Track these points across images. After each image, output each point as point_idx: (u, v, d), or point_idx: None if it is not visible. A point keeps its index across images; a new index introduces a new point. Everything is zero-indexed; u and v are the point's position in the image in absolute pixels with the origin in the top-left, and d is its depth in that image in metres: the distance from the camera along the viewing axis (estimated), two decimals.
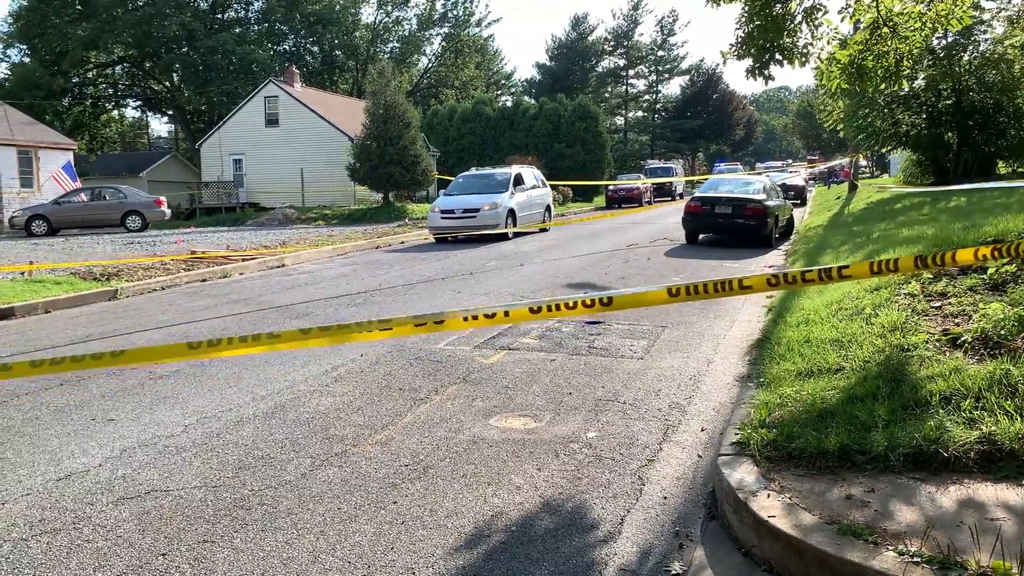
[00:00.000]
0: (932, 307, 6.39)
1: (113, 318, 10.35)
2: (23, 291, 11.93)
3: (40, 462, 4.92)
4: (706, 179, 24.96)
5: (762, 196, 17.35)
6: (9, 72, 58.87)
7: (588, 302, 3.68)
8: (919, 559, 2.99)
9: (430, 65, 77.04)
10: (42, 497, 4.38)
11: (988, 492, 3.56)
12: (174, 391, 6.49)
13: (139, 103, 71.99)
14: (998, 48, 22.46)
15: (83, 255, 18.64)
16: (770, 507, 3.57)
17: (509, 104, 58.60)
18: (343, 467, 4.71)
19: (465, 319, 3.74)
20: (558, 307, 3.62)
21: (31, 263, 14.49)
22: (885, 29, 8.23)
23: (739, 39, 8.54)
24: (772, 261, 14.55)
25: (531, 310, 3.66)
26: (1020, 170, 26.21)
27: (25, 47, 59.30)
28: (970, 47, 23.49)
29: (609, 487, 4.34)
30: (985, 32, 23.34)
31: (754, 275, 3.79)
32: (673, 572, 3.45)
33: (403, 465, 4.72)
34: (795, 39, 8.29)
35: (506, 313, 3.81)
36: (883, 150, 31.27)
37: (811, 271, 3.71)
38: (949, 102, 23.86)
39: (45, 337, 9.07)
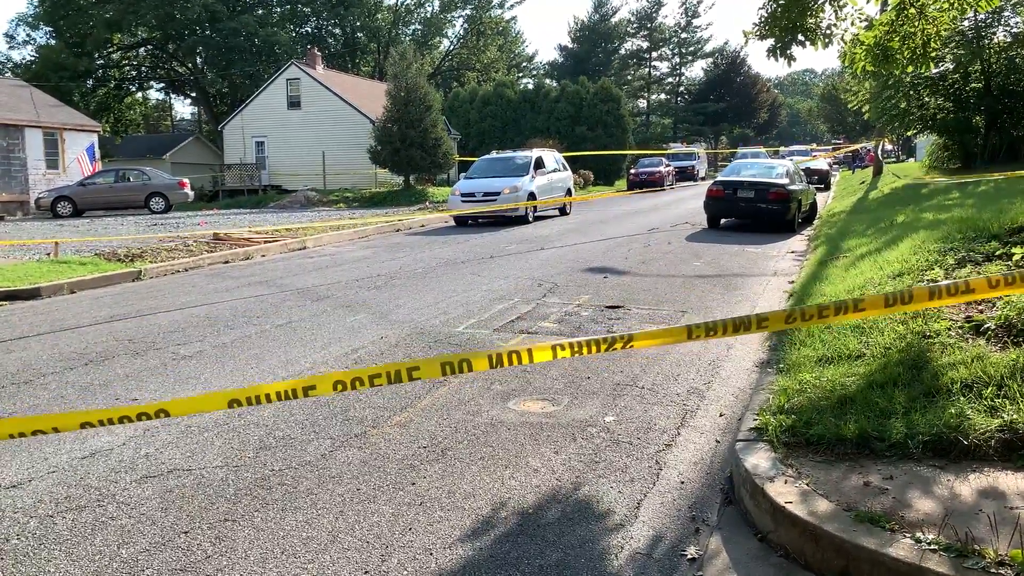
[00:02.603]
0: None
1: (137, 299, 10.47)
2: (49, 271, 12.09)
3: (65, 440, 5.01)
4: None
5: (785, 180, 17.20)
6: (35, 54, 59.41)
7: (601, 344, 3.66)
8: (936, 547, 2.98)
9: (452, 47, 76.81)
10: (67, 475, 4.46)
11: (1008, 481, 3.53)
12: (196, 371, 6.56)
13: (162, 85, 72.41)
14: None
15: (107, 236, 18.85)
16: (787, 493, 3.56)
17: (531, 87, 58.39)
18: (362, 448, 4.75)
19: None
20: (563, 347, 3.59)
21: (56, 243, 14.66)
22: (912, 10, 8.10)
23: (762, 19, 8.43)
24: (794, 247, 14.44)
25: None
26: None
27: (51, 29, 59.78)
28: (1000, 28, 23.05)
29: (626, 471, 4.35)
30: (1018, 14, 22.86)
31: (772, 312, 3.76)
32: (689, 556, 3.46)
33: (421, 447, 4.76)
34: (818, 19, 8.16)
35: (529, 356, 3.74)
36: (909, 133, 30.85)
37: (828, 307, 3.70)
38: (978, 85, 23.46)
39: (71, 317, 9.20)
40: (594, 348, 3.60)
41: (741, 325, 3.64)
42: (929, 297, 3.63)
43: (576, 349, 3.56)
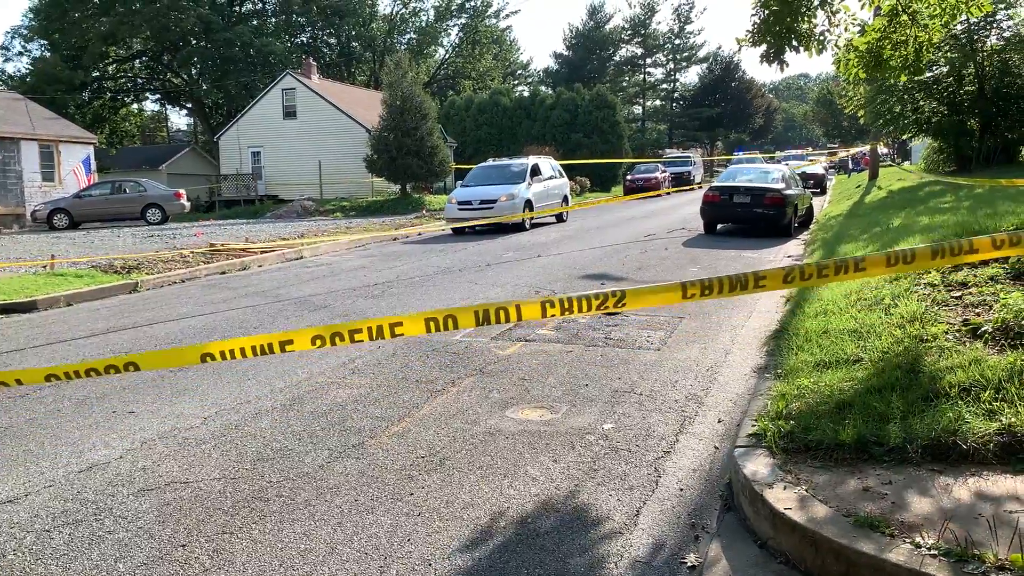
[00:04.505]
0: (952, 297, 6.33)
1: (133, 311, 10.45)
2: (45, 284, 12.07)
3: (62, 454, 4.99)
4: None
5: (781, 185, 17.22)
6: (31, 67, 59.43)
7: (599, 299, 3.64)
8: (935, 552, 2.97)
9: (447, 56, 76.97)
10: (64, 488, 4.44)
11: (1007, 484, 3.53)
12: (193, 384, 6.55)
13: (158, 96, 72.43)
14: (1022, 30, 22.11)
15: (104, 248, 18.83)
16: (786, 499, 3.56)
17: (526, 94, 58.45)
18: (360, 459, 4.74)
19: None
20: (569, 305, 3.58)
21: (53, 256, 14.64)
22: (904, 17, 8.13)
23: (755, 25, 8.45)
24: (791, 251, 14.45)
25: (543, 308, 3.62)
26: None
27: (45, 42, 59.83)
28: (992, 32, 23.15)
29: (625, 479, 4.34)
30: (1010, 18, 22.97)
31: (770, 269, 3.75)
32: (688, 564, 3.45)
33: (420, 457, 4.74)
34: (811, 25, 8.19)
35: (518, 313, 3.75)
36: (904, 137, 30.94)
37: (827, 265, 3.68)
38: (971, 88, 23.54)
39: (67, 330, 9.18)
40: (584, 305, 3.58)
41: (738, 283, 3.63)
42: (932, 256, 3.62)
43: (567, 307, 3.55)
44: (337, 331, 3.47)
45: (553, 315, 3.59)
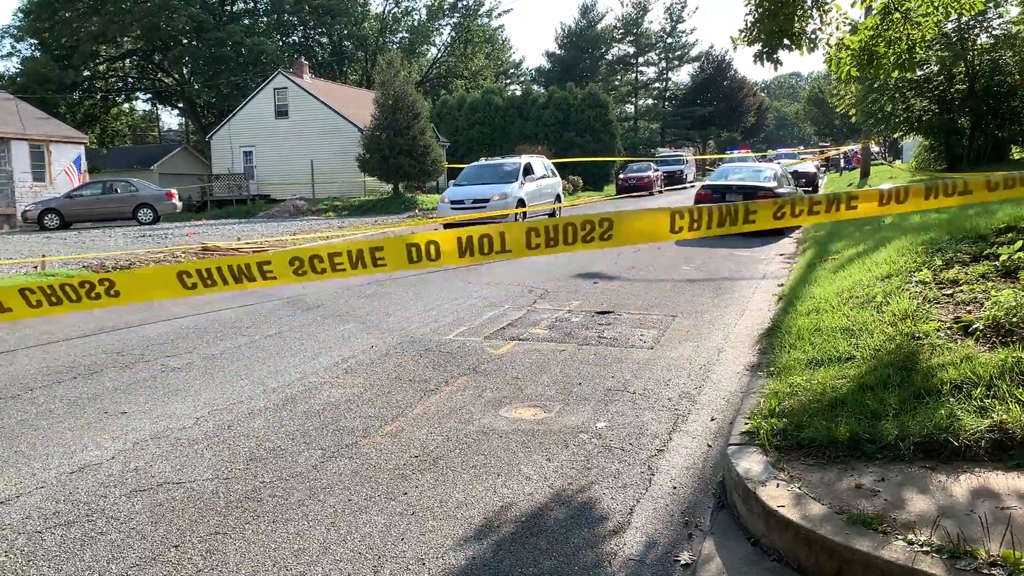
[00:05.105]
0: (943, 295, 6.35)
1: (125, 312, 10.40)
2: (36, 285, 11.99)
3: (54, 455, 4.97)
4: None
5: (773, 184, 17.27)
6: (21, 66, 59.12)
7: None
8: (929, 548, 2.98)
9: (439, 55, 76.92)
10: (56, 490, 4.42)
11: (999, 481, 3.54)
12: (186, 384, 6.53)
13: (149, 96, 72.10)
14: (1012, 29, 22.20)
15: (95, 248, 18.75)
16: (779, 497, 3.56)
17: (519, 93, 58.54)
18: (353, 458, 4.73)
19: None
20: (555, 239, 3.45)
21: (44, 256, 14.57)
22: (897, 15, 8.14)
23: (748, 24, 8.46)
24: (783, 249, 14.48)
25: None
26: None
27: (35, 41, 59.52)
28: (983, 30, 23.24)
29: (619, 477, 4.34)
30: (1000, 16, 23.06)
31: (760, 203, 3.73)
32: (682, 562, 3.46)
33: (413, 456, 4.74)
34: (804, 24, 8.20)
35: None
36: (895, 135, 31.05)
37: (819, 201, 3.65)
38: (962, 87, 23.64)
39: (58, 330, 9.14)
40: (570, 233, 3.51)
41: (727, 219, 3.60)
42: (925, 196, 3.62)
43: (551, 235, 3.49)
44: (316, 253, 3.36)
45: (538, 244, 3.50)
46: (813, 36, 8.38)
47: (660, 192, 39.86)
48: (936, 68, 23.30)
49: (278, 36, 66.11)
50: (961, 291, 6.32)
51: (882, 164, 45.27)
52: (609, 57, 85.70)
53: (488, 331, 8.08)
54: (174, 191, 31.23)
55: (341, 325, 8.75)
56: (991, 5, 21.99)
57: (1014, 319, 5.08)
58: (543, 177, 23.35)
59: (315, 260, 3.25)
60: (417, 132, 32.97)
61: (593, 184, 46.21)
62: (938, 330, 5.37)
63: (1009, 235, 7.52)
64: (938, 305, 6.11)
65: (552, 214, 23.30)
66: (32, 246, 20.08)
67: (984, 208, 9.61)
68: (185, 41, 59.40)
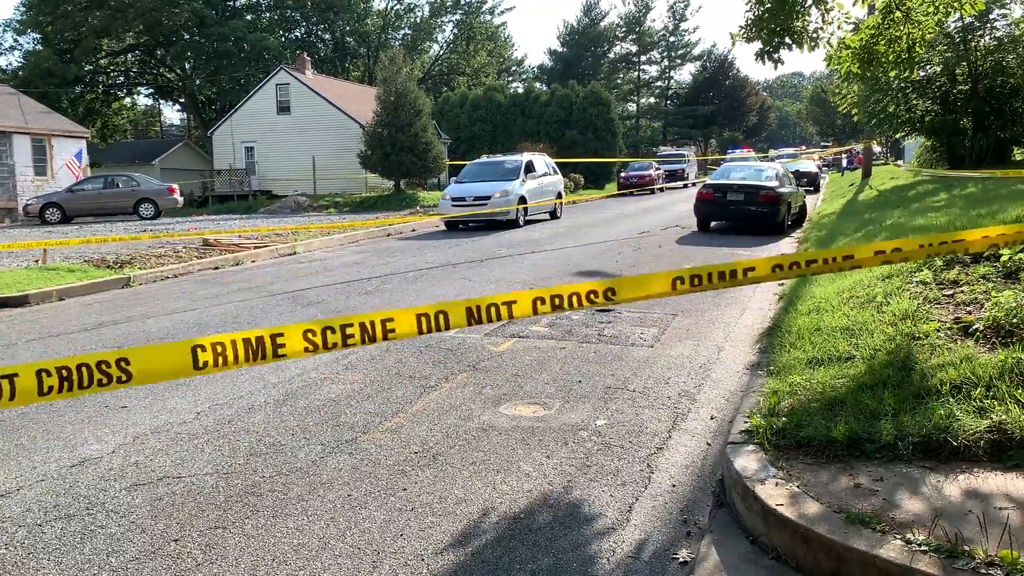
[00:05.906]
0: (944, 295, 6.36)
1: (126, 306, 10.42)
2: (37, 279, 12.02)
3: (54, 448, 4.98)
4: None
5: (774, 183, 17.26)
6: (23, 60, 59.09)
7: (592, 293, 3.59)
8: (926, 548, 2.98)
9: (442, 52, 76.87)
10: (56, 483, 4.43)
11: (997, 481, 3.55)
12: (186, 379, 6.53)
13: (151, 91, 72.16)
14: (1016, 31, 22.19)
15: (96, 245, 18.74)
16: (778, 495, 3.57)
17: (521, 91, 58.47)
18: (353, 454, 4.74)
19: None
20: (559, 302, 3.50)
21: (45, 250, 14.58)
22: (898, 13, 8.15)
23: (748, 21, 8.46)
24: (784, 249, 14.48)
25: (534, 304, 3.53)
26: None
27: (38, 35, 59.48)
28: (987, 30, 23.24)
29: (618, 475, 4.35)
30: (1005, 16, 23.05)
31: (758, 259, 3.75)
32: (680, 559, 3.47)
33: (413, 452, 4.75)
34: (805, 23, 8.20)
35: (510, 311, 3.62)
36: (897, 136, 31.05)
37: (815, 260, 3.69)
38: (964, 87, 23.62)
39: (59, 324, 9.15)
40: (575, 303, 3.50)
41: (727, 273, 3.62)
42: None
43: (557, 304, 3.47)
44: (328, 325, 3.35)
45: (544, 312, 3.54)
46: (815, 34, 8.38)
47: (661, 190, 39.89)
48: (939, 69, 23.29)
49: (280, 32, 66.09)
50: (962, 292, 6.32)
51: (884, 164, 45.27)
52: (611, 55, 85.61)
53: (488, 328, 8.09)
54: (175, 186, 31.24)
55: None
56: (995, 5, 21.99)
57: (1014, 320, 5.09)
58: (545, 175, 23.36)
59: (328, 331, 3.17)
60: (419, 129, 32.95)
61: (595, 182, 46.21)
62: (938, 330, 5.37)
63: None
64: (938, 305, 6.11)
65: (553, 214, 23.30)
66: (33, 240, 20.08)
67: (988, 210, 9.62)
68: (187, 36, 59.32)
